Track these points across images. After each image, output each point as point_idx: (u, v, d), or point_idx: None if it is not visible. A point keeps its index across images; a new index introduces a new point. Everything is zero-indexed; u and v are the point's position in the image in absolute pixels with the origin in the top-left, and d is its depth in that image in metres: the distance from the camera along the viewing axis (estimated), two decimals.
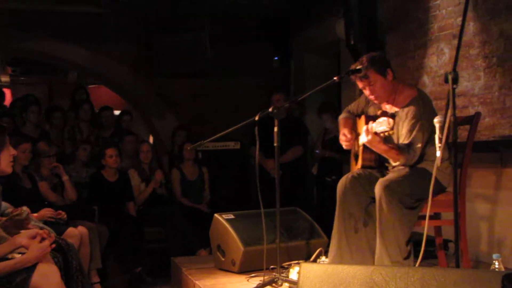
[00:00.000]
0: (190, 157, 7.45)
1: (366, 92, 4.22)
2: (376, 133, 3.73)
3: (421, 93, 4.25)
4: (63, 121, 8.08)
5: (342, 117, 4.64)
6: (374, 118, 4.27)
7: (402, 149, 3.93)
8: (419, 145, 3.98)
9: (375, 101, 4.27)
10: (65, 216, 5.56)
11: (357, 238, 4.17)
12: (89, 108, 8.23)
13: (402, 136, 4.04)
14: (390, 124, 3.65)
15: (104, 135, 8.16)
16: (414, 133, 3.99)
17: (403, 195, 3.89)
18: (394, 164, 4.10)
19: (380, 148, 3.91)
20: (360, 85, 4.23)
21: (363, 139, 3.84)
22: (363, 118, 4.37)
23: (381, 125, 3.70)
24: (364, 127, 3.81)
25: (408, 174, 4.00)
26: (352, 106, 4.64)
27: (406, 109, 4.09)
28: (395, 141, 4.06)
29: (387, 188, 3.88)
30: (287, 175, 6.32)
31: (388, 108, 4.26)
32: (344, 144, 4.41)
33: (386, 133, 3.67)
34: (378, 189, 3.92)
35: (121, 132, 8.12)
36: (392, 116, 3.65)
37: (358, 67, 4.16)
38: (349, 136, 4.35)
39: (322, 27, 8.05)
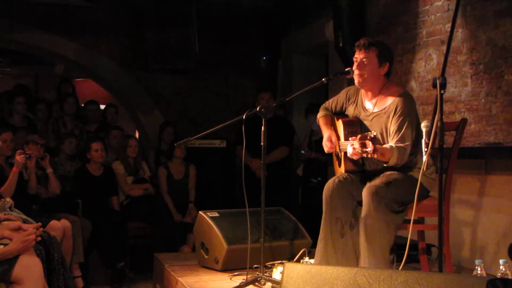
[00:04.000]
0: (180, 155, 7.44)
1: (355, 65, 4.15)
2: (360, 153, 3.69)
3: (407, 92, 4.24)
4: (48, 114, 8.07)
5: (321, 116, 4.59)
6: (351, 123, 4.27)
7: (391, 153, 3.87)
8: (409, 142, 3.95)
9: (357, 79, 4.16)
10: (29, 151, 5.95)
11: (343, 243, 4.16)
12: (73, 102, 8.22)
13: (391, 135, 4.03)
14: (370, 147, 3.59)
15: (89, 129, 8.14)
16: (403, 130, 3.97)
17: (389, 201, 3.89)
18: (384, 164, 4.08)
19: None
20: (356, 53, 4.15)
21: (354, 157, 3.84)
22: (341, 122, 4.34)
23: (364, 146, 3.64)
24: (350, 149, 3.78)
25: (394, 180, 3.99)
26: (331, 103, 4.57)
27: (392, 105, 4.07)
28: (380, 137, 4.06)
29: (375, 193, 3.88)
30: (272, 175, 6.30)
31: (371, 107, 4.23)
32: (327, 150, 4.42)
33: (368, 155, 3.62)
34: (365, 194, 3.92)
35: (107, 127, 8.11)
36: (372, 139, 3.59)
37: (347, 69, 4.18)
38: (335, 143, 4.35)
39: (311, 29, 8.06)
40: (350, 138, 3.75)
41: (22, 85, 9.56)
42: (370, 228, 3.90)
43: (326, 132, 4.45)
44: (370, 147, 3.54)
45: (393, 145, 3.90)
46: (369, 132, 3.60)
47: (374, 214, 3.87)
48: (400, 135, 3.97)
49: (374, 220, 3.88)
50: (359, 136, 3.62)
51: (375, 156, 3.64)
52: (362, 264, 3.95)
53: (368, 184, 4.00)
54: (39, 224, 3.98)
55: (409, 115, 4.02)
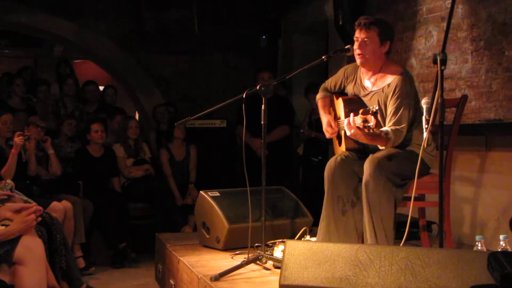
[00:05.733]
0: (180, 136, 7.42)
1: (356, 44, 4.11)
2: (358, 128, 3.67)
3: (407, 71, 4.22)
4: (48, 95, 8.05)
5: (319, 97, 4.57)
6: (352, 101, 4.25)
7: (387, 136, 3.88)
8: (405, 124, 3.96)
9: (359, 59, 4.14)
10: (29, 132, 6.01)
11: (345, 221, 4.17)
12: (73, 83, 8.18)
13: (388, 116, 4.02)
14: (372, 122, 3.57)
15: (88, 110, 8.13)
16: (400, 112, 3.96)
17: (391, 173, 3.89)
18: (381, 148, 4.08)
19: (364, 140, 3.90)
20: (356, 33, 4.11)
21: (347, 132, 3.81)
22: (341, 100, 4.32)
23: (366, 121, 3.62)
24: (346, 120, 3.76)
25: (396, 154, 3.99)
26: (330, 83, 4.54)
27: (391, 86, 4.05)
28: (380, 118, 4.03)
29: (377, 164, 3.87)
30: (273, 154, 6.29)
31: (370, 85, 4.21)
32: (328, 136, 4.41)
33: (371, 130, 3.61)
34: (367, 164, 3.91)
35: (106, 107, 8.10)
36: (374, 114, 3.57)
37: (346, 46, 4.15)
38: (335, 129, 4.34)
39: (311, 7, 8.02)
40: (351, 115, 3.74)
41: (27, 68, 9.54)
42: (371, 200, 3.89)
43: (324, 118, 4.44)
44: (372, 121, 3.53)
45: (389, 130, 3.92)
46: (371, 107, 3.58)
47: (375, 185, 3.86)
48: (397, 117, 3.96)
49: (375, 192, 3.87)
50: (361, 110, 3.61)
51: (377, 131, 3.64)
52: (367, 239, 3.96)
53: (370, 155, 3.99)
54: (35, 204, 3.99)
55: (407, 96, 4.00)
